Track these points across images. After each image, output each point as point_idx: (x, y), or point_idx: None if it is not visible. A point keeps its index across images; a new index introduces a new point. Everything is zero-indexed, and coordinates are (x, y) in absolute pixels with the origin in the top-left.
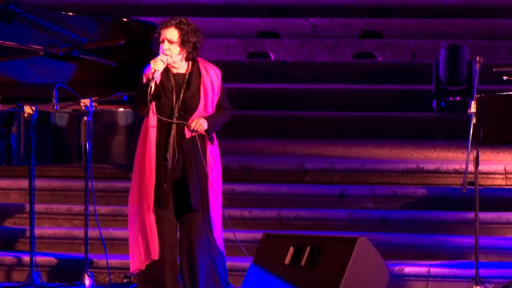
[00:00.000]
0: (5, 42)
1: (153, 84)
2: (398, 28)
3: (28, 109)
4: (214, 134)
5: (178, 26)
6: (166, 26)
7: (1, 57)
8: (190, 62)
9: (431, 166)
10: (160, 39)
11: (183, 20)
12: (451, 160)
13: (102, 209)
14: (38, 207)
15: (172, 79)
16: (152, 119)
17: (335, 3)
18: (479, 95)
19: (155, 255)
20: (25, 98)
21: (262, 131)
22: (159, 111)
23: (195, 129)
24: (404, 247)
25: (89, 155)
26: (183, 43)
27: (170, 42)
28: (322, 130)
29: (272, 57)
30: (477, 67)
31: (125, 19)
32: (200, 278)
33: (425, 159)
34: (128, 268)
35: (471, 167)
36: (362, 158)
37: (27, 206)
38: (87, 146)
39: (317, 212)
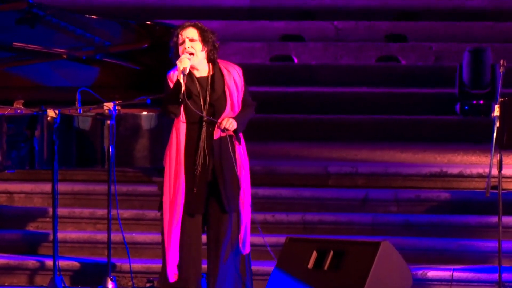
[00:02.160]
0: (29, 45)
1: (183, 83)
2: (423, 32)
3: (51, 113)
4: (241, 134)
5: (195, 26)
6: (183, 28)
7: (25, 60)
8: (211, 65)
9: (455, 170)
10: (180, 41)
11: (197, 22)
12: (474, 164)
13: (125, 213)
14: (61, 211)
15: (197, 83)
16: (181, 123)
17: (359, 7)
18: (502, 99)
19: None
20: (49, 102)
21: (285, 134)
22: (188, 116)
23: (226, 127)
24: (427, 251)
25: (112, 159)
26: (204, 40)
27: (191, 40)
28: (346, 134)
29: (296, 60)
30: (500, 71)
31: (149, 22)
32: (228, 280)
33: (448, 163)
34: (151, 272)
35: (495, 171)
36: (385, 162)
37: (50, 210)
38: (110, 150)
39: (340, 216)
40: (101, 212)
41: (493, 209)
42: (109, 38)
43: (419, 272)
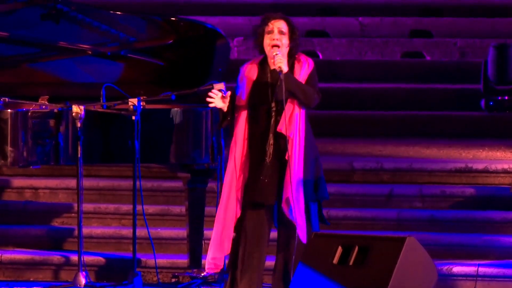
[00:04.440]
0: (53, 41)
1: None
2: (447, 27)
3: (76, 109)
4: (310, 134)
5: (286, 19)
6: (275, 18)
7: (50, 56)
8: (287, 58)
9: (480, 166)
10: (268, 30)
11: (285, 15)
12: (499, 160)
13: (150, 209)
14: (86, 206)
15: (269, 76)
16: (243, 112)
17: (384, 2)
18: None
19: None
20: (73, 98)
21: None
22: (255, 107)
23: (276, 59)
24: (452, 247)
25: (137, 155)
26: (291, 36)
27: (281, 32)
28: (371, 130)
29: (320, 56)
30: None
31: (173, 18)
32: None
33: (473, 159)
34: (176, 268)
35: None
36: (410, 158)
37: (75, 205)
38: (135, 146)
39: (365, 212)
40: (126, 207)
41: None
42: (134, 34)
43: (445, 268)
